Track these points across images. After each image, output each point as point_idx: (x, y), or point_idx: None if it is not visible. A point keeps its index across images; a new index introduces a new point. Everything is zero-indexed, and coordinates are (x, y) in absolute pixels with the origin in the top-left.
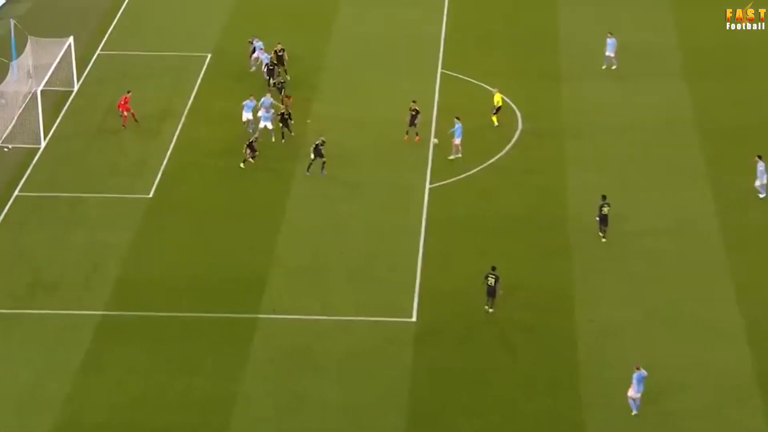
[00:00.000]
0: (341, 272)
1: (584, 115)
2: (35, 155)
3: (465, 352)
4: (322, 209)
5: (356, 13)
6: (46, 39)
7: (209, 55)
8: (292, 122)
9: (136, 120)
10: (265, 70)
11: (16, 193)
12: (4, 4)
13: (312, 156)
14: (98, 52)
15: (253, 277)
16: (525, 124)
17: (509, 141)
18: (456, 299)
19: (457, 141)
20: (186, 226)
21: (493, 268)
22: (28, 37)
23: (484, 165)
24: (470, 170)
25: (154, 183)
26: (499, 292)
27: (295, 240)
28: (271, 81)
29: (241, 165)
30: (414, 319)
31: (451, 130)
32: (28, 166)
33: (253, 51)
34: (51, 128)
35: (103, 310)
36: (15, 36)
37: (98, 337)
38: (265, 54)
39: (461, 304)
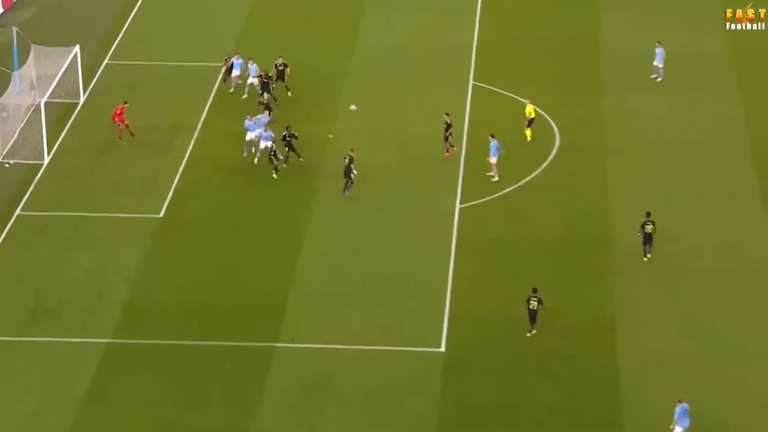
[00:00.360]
0: (365, 298)
1: (627, 130)
2: (38, 171)
3: (497, 384)
4: (345, 230)
5: (382, 20)
6: (51, 48)
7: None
8: (297, 139)
9: (132, 134)
10: (258, 84)
11: (17, 211)
12: (5, 11)
13: (354, 174)
14: (106, 61)
15: (271, 303)
16: (563, 140)
17: (545, 158)
18: (488, 327)
19: (494, 160)
20: (199, 247)
21: (535, 291)
22: (32, 45)
23: (519, 184)
24: (504, 189)
25: (164, 202)
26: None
27: (316, 263)
28: (266, 95)
29: (274, 176)
30: (443, 348)
31: (494, 150)
32: (31, 183)
33: (230, 69)
34: (55, 143)
35: (109, 338)
36: (17, 44)
37: (104, 366)
38: (253, 65)
39: (494, 332)
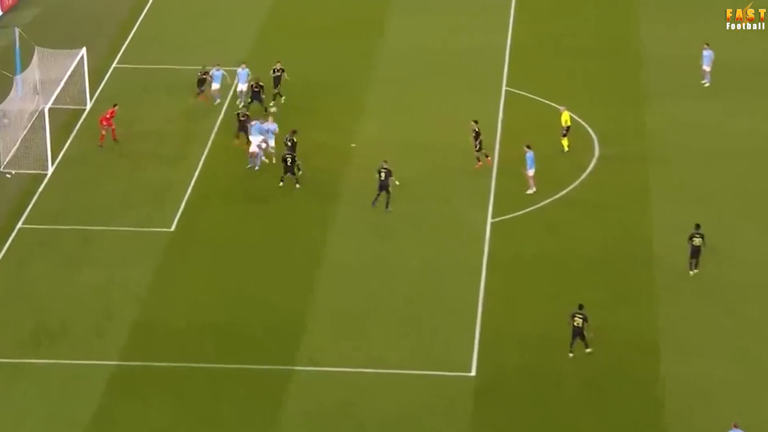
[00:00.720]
0: (389, 318)
1: (672, 139)
2: (41, 182)
3: (533, 411)
4: (368, 245)
5: (408, 21)
6: (56, 50)
7: (238, 70)
8: (295, 144)
9: (115, 139)
10: (248, 92)
11: (19, 225)
12: (6, 12)
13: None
14: (114, 65)
15: (289, 323)
16: (602, 150)
17: (584, 169)
18: (522, 350)
19: (531, 172)
20: (212, 263)
21: (581, 307)
22: (35, 48)
23: (556, 196)
24: (539, 202)
25: (176, 214)
26: (590, 333)
27: (336, 280)
28: (259, 104)
29: (297, 185)
30: (473, 373)
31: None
32: (34, 194)
33: (203, 82)
34: (60, 151)
35: (117, 360)
36: (20, 47)
37: (110, 390)
38: (244, 70)
39: (528, 355)
